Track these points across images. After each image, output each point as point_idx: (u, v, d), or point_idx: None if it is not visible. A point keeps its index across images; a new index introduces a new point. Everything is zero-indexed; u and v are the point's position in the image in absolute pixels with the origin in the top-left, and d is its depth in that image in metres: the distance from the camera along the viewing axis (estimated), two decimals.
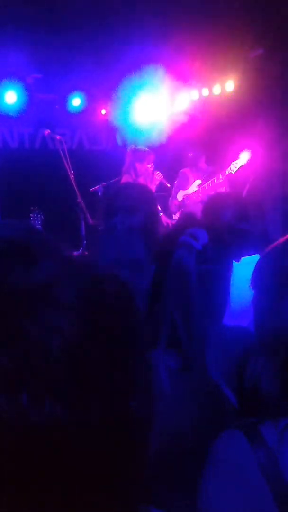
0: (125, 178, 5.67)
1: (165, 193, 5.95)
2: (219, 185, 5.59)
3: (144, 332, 0.44)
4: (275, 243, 1.07)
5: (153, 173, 5.70)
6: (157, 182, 5.74)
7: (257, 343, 1.06)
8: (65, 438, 0.36)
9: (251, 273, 1.53)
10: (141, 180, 5.56)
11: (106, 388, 0.38)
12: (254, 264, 1.75)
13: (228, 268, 1.78)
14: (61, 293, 0.38)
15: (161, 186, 5.83)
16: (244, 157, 5.46)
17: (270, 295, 1.01)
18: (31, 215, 5.53)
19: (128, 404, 0.40)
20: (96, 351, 0.38)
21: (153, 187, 5.64)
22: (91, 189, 6.00)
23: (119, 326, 0.41)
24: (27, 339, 0.36)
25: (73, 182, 5.48)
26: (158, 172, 5.74)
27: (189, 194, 5.84)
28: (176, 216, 5.90)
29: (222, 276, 1.72)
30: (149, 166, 5.59)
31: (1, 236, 0.43)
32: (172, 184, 5.94)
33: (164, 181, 5.80)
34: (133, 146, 5.72)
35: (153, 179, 5.70)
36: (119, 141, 6.87)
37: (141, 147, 5.69)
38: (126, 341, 0.41)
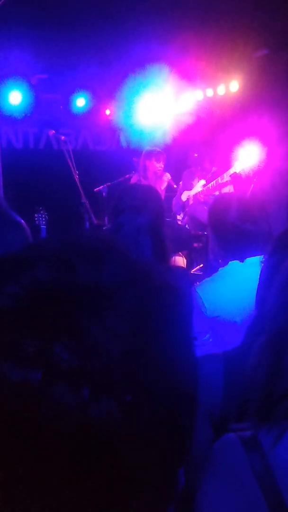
0: (135, 177, 5.70)
1: (171, 194, 5.96)
2: (223, 185, 5.58)
3: (193, 343, 0.47)
4: None
5: (162, 174, 5.72)
6: (165, 183, 5.76)
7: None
8: (117, 434, 0.39)
9: (255, 274, 1.52)
10: (150, 180, 5.58)
11: (155, 392, 0.41)
12: (259, 265, 1.75)
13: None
14: (124, 299, 0.42)
15: (168, 187, 5.84)
16: (248, 157, 5.46)
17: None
18: (35, 215, 5.54)
19: (174, 410, 0.43)
20: (150, 358, 0.41)
21: (161, 188, 5.65)
22: (95, 189, 6.01)
23: (172, 336, 0.44)
24: (92, 338, 0.39)
25: (77, 182, 5.49)
26: (167, 173, 5.76)
27: (193, 195, 5.85)
28: (180, 217, 5.90)
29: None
30: (160, 165, 5.62)
31: (72, 241, 0.47)
32: (178, 185, 5.95)
33: (172, 183, 5.82)
34: (147, 147, 5.76)
35: (162, 179, 5.71)
36: (123, 142, 6.89)
37: (154, 147, 5.72)
38: (178, 351, 0.44)
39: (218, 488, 0.93)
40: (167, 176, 5.77)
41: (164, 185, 5.74)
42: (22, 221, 1.59)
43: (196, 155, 6.02)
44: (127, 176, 5.90)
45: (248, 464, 0.90)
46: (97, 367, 0.39)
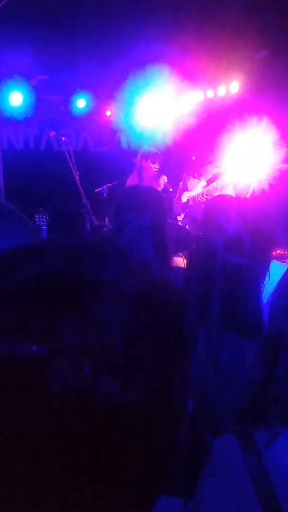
0: (131, 178, 5.70)
1: (168, 194, 5.96)
2: (224, 186, 5.59)
3: (186, 331, 0.49)
4: None
5: (158, 176, 5.71)
6: (161, 186, 5.75)
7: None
8: (114, 409, 0.42)
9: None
10: (146, 181, 5.58)
11: (151, 374, 0.44)
12: None
13: (264, 270, 1.51)
14: (126, 288, 0.46)
15: (164, 190, 5.84)
16: (249, 158, 5.47)
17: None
18: (36, 216, 5.55)
19: (169, 391, 0.46)
20: (147, 341, 0.45)
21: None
22: (96, 190, 6.01)
23: (167, 323, 0.48)
24: (95, 320, 0.43)
25: (78, 183, 5.49)
26: (163, 176, 5.76)
27: (193, 196, 5.85)
28: (180, 218, 5.91)
29: (255, 278, 1.47)
30: (155, 166, 5.61)
31: (82, 240, 0.52)
32: (175, 189, 5.94)
33: (168, 186, 5.80)
34: (144, 148, 5.75)
35: (158, 181, 5.71)
36: (124, 143, 6.90)
37: (152, 148, 5.72)
38: (171, 336, 0.48)
39: (215, 488, 0.94)
40: (164, 179, 5.74)
41: (160, 188, 5.74)
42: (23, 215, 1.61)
43: (194, 158, 6.01)
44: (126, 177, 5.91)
45: (244, 465, 0.90)
46: (99, 344, 0.42)
